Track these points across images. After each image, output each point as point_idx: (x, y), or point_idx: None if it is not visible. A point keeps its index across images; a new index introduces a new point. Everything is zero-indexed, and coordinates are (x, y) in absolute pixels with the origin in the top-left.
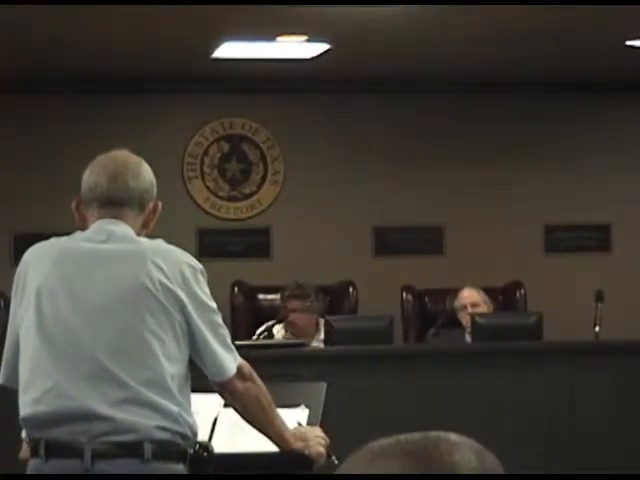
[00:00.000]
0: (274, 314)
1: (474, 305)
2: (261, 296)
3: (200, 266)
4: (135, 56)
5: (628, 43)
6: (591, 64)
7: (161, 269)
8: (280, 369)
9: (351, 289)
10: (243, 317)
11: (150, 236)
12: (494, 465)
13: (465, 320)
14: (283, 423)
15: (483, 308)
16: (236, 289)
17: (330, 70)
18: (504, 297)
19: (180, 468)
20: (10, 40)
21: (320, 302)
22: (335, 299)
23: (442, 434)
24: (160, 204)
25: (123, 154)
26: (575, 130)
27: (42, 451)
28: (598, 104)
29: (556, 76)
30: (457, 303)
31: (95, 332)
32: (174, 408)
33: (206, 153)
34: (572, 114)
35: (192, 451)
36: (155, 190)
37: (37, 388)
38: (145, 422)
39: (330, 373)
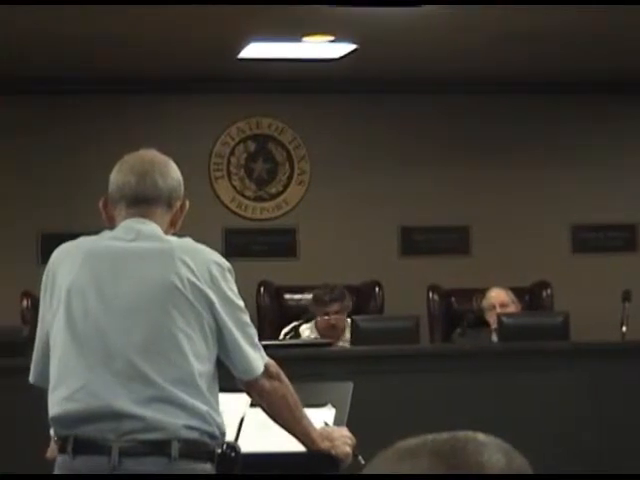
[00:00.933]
0: (300, 314)
1: (503, 305)
2: (287, 296)
3: (228, 264)
4: (162, 56)
5: None
6: (623, 65)
7: (189, 267)
8: (307, 369)
9: (377, 289)
10: (269, 317)
11: (177, 235)
12: (522, 465)
13: (493, 320)
14: (310, 423)
15: (511, 308)
16: (262, 289)
17: (356, 70)
18: (531, 297)
19: (208, 468)
20: (33, 41)
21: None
22: (361, 299)
23: (470, 434)
24: (187, 203)
25: (151, 153)
26: (602, 130)
27: (70, 448)
28: (628, 105)
29: (587, 76)
30: (485, 303)
31: (125, 331)
32: (203, 407)
33: (232, 153)
34: (599, 114)
35: (220, 451)
36: (182, 189)
37: (67, 387)
38: (174, 421)
39: (356, 373)
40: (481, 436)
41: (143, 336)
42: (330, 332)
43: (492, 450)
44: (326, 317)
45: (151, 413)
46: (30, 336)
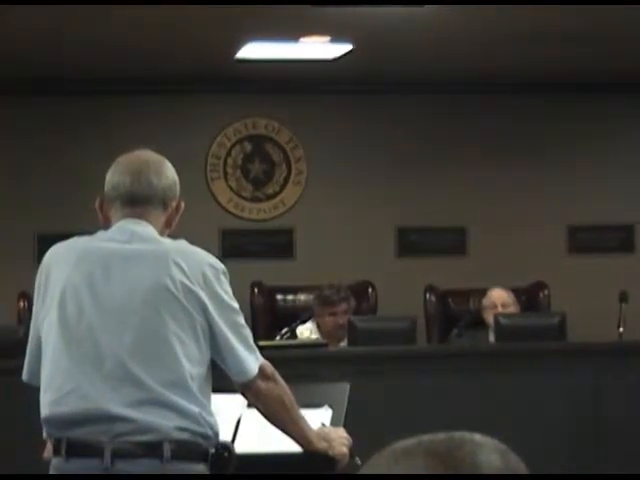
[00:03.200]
0: (294, 314)
1: (504, 305)
2: (280, 297)
3: (222, 266)
4: (160, 57)
5: None
6: (622, 65)
7: (182, 270)
8: (303, 370)
9: (370, 289)
10: (263, 318)
11: (173, 236)
12: (518, 465)
13: (492, 319)
14: (306, 423)
15: (512, 309)
16: (256, 290)
17: (353, 70)
18: (527, 298)
19: (200, 468)
20: (40, 41)
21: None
22: (355, 299)
23: (466, 434)
24: (183, 203)
25: (146, 153)
26: (599, 130)
27: (63, 450)
28: (627, 104)
29: (584, 76)
30: (486, 301)
31: (117, 333)
32: (195, 409)
33: (229, 153)
34: (596, 114)
35: (213, 451)
36: (178, 189)
37: (58, 388)
38: (165, 423)
39: (353, 373)
40: (477, 437)
41: (134, 338)
42: (338, 332)
43: (488, 451)
44: (333, 317)
45: (142, 415)
46: (26, 336)
